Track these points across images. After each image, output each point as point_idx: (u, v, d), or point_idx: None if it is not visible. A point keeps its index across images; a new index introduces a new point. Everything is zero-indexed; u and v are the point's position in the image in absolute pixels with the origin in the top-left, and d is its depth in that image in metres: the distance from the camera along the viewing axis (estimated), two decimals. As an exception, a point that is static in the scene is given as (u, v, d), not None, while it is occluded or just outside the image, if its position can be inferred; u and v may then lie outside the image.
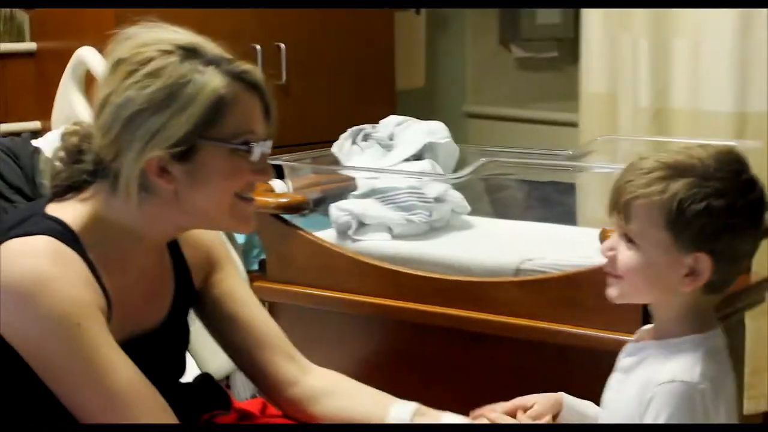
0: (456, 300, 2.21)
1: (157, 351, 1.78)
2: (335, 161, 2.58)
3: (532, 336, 2.13)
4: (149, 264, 1.78)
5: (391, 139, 2.60)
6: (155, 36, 1.70)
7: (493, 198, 2.81)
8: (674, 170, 1.55)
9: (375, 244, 2.36)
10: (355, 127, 2.65)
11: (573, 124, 4.06)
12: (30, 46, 3.78)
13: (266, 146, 1.71)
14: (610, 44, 3.28)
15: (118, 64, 1.68)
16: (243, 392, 2.66)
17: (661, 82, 3.14)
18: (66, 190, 1.73)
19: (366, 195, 2.43)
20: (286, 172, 2.48)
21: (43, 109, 3.53)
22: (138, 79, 1.64)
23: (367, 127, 2.66)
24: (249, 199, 1.75)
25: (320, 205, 2.50)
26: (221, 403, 1.93)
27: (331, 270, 2.32)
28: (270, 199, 2.37)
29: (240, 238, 2.52)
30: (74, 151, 1.74)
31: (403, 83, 4.45)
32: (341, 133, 2.72)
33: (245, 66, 1.71)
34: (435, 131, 2.59)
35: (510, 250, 2.29)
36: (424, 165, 2.50)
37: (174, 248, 1.84)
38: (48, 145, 2.41)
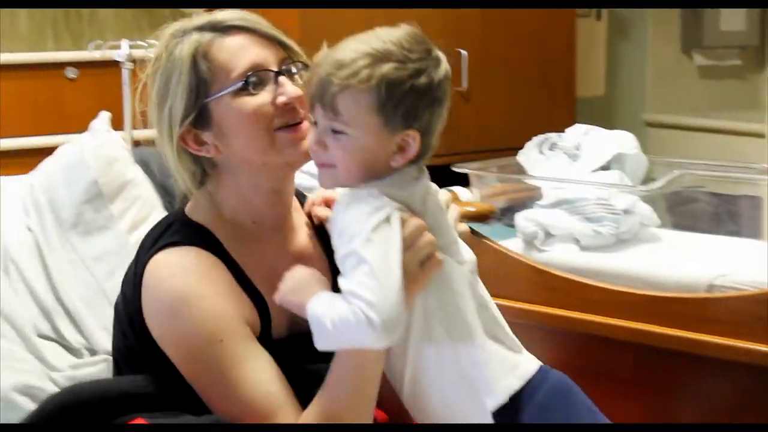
0: (646, 315, 2.16)
1: None
2: (521, 170, 2.56)
3: (726, 355, 2.07)
4: (291, 247, 1.78)
5: (577, 149, 2.57)
6: (160, 37, 1.75)
7: (682, 210, 2.75)
8: (375, 57, 1.57)
9: (562, 255, 2.33)
10: (540, 136, 2.63)
11: (758, 135, 3.95)
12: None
13: (286, 71, 1.70)
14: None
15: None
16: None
17: None
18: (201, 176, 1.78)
19: (553, 205, 2.40)
20: (472, 180, 2.47)
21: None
22: (149, 84, 1.73)
23: (553, 136, 2.63)
24: (289, 127, 1.70)
25: (505, 214, 2.48)
26: None
27: (517, 280, 2.30)
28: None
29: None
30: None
31: (582, 90, 4.40)
32: (521, 140, 2.69)
33: (220, 15, 1.72)
34: (624, 141, 2.55)
35: (701, 264, 2.23)
36: (613, 176, 2.46)
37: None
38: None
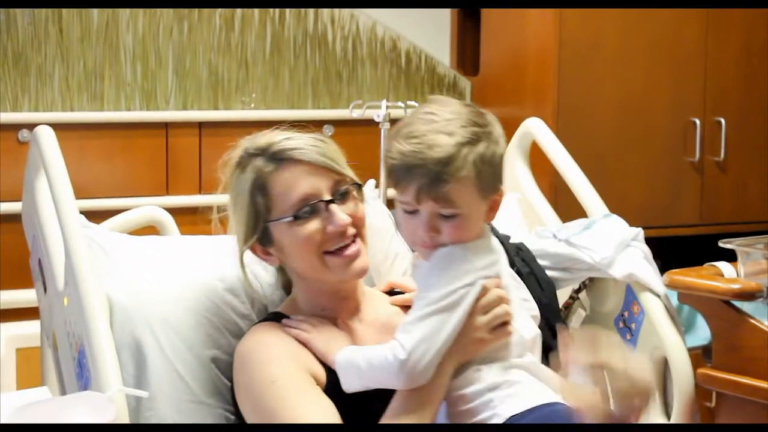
0: None
1: None
2: (790, 247, 2.44)
3: None
4: (369, 316, 1.98)
5: None
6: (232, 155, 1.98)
7: None
8: (466, 144, 1.74)
9: (834, 340, 2.21)
10: (810, 212, 2.51)
11: None
12: (470, 112, 3.89)
13: (334, 202, 1.88)
14: None
15: None
16: None
17: None
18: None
19: (825, 286, 2.28)
20: (739, 256, 2.37)
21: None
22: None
23: (823, 213, 2.51)
24: (337, 251, 1.89)
25: (770, 293, 2.37)
26: None
27: (785, 364, 2.19)
28: (721, 285, 2.27)
29: (674, 299, 2.44)
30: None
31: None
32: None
33: (286, 144, 1.90)
34: None
35: None
36: None
37: None
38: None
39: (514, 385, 1.76)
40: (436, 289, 1.75)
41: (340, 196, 1.90)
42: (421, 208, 1.77)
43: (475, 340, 1.77)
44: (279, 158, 1.89)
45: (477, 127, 1.77)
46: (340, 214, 1.88)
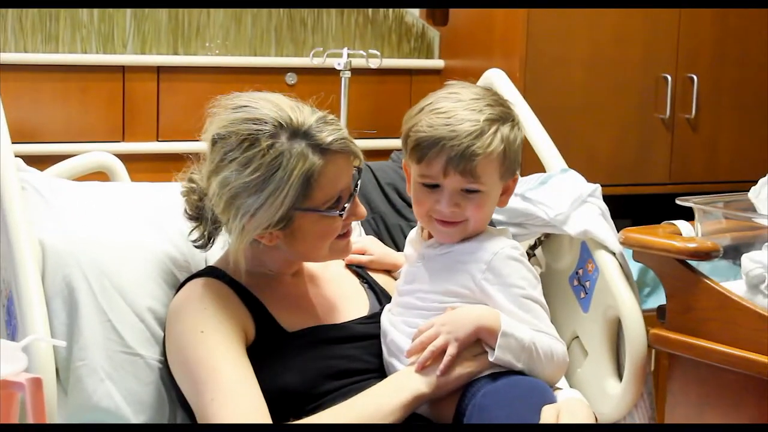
0: None
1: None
2: (751, 207, 2.39)
3: None
4: (313, 275, 2.02)
5: (813, 188, 2.38)
6: (244, 115, 1.83)
7: None
8: (493, 122, 1.83)
9: (789, 303, 2.15)
10: (774, 172, 2.45)
11: None
12: (437, 63, 3.83)
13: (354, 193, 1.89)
14: None
15: (214, 142, 1.85)
16: None
17: None
18: (207, 240, 1.97)
19: (783, 247, 2.22)
20: (697, 215, 2.31)
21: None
22: (233, 166, 1.81)
23: (789, 173, 2.45)
24: (343, 235, 1.92)
25: (729, 252, 2.32)
26: None
27: (738, 326, 2.14)
28: (677, 243, 2.22)
29: (634, 271, 2.39)
30: (195, 207, 1.95)
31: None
32: (750, 173, 2.53)
33: (331, 134, 1.82)
34: None
35: None
36: None
37: None
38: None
39: None
40: (528, 283, 1.88)
41: (356, 185, 1.91)
42: (446, 183, 1.83)
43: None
44: (326, 150, 1.83)
45: (502, 107, 1.86)
46: (361, 206, 1.93)
